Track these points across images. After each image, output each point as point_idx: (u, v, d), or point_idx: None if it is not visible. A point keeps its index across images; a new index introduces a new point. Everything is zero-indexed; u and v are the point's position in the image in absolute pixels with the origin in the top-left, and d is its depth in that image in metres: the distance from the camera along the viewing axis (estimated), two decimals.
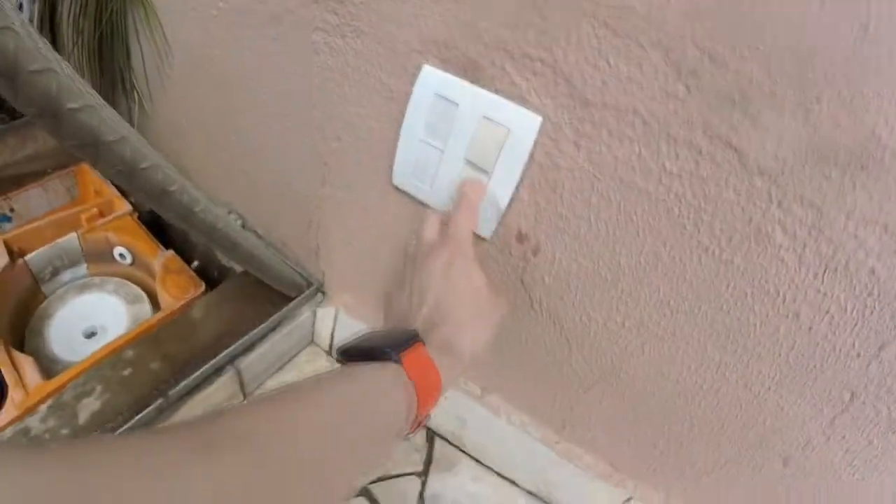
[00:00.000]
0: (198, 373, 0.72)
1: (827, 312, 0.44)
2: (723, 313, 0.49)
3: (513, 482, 0.78)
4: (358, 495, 0.75)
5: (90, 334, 0.92)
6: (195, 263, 0.99)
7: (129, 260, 0.99)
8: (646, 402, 0.60)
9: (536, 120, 0.48)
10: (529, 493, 0.77)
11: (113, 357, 0.72)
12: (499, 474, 0.79)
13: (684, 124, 0.42)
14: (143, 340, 0.76)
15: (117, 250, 0.99)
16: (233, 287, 0.87)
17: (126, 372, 0.71)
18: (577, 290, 0.56)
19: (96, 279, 1.00)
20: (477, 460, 0.80)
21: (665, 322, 0.53)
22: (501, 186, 0.52)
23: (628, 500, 0.67)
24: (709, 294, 0.49)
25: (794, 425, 0.52)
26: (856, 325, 0.43)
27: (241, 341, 0.77)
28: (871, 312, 0.42)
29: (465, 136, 0.52)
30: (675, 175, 0.44)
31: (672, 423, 0.59)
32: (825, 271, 0.42)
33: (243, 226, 0.92)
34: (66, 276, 0.99)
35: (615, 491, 0.68)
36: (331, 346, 0.90)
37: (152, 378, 0.71)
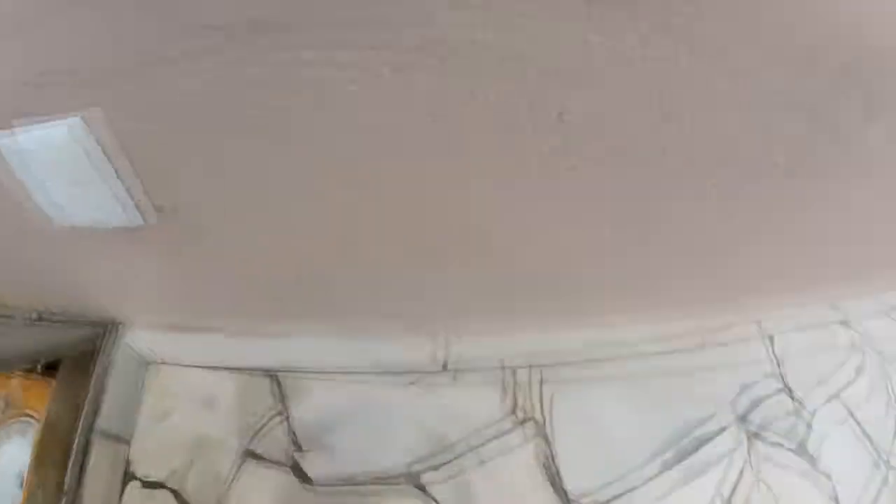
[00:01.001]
0: (70, 465, 0.72)
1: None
2: None
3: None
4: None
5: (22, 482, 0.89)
6: (39, 365, 0.92)
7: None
8: None
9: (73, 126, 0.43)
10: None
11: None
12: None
13: None
14: (32, 471, 0.75)
15: None
16: (64, 371, 0.83)
17: None
18: (263, 234, 0.52)
19: None
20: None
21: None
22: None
23: None
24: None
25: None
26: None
27: (83, 415, 0.76)
28: None
29: None
30: None
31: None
32: None
33: (41, 315, 0.83)
34: None
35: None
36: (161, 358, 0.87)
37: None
